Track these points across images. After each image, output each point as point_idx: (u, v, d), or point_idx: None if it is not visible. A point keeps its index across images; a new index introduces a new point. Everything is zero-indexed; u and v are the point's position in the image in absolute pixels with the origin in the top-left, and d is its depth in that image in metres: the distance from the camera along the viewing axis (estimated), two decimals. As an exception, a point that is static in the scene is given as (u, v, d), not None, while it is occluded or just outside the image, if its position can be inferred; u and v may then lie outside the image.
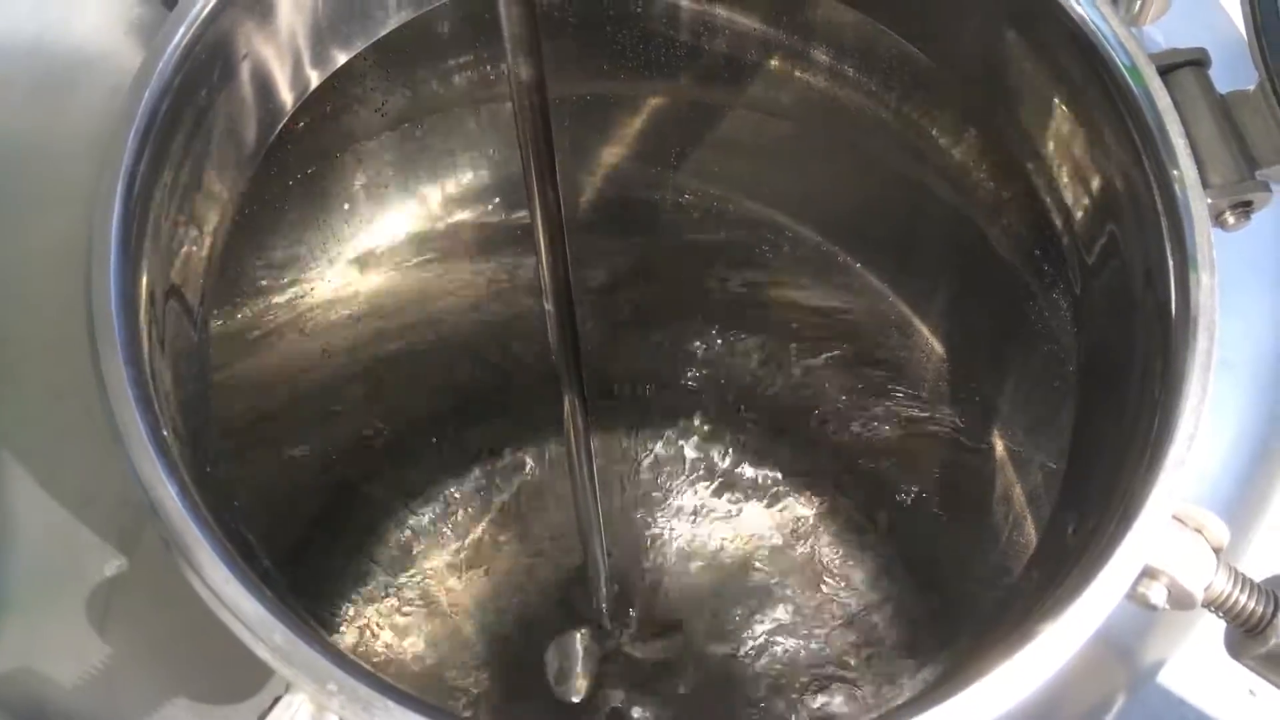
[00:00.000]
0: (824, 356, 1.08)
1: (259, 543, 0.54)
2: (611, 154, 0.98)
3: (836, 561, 1.12)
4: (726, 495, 1.16)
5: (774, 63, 0.86)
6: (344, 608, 1.06)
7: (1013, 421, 0.87)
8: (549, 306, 0.75)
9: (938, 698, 0.43)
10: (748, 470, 1.17)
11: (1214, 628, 0.54)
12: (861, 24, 0.76)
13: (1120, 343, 0.56)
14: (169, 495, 0.43)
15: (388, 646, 1.05)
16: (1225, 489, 0.63)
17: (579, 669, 1.03)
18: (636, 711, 1.04)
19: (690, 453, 1.18)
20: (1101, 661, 0.62)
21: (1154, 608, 0.48)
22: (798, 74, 0.86)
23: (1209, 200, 0.52)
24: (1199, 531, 0.48)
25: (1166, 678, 1.30)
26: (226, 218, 0.57)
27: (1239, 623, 0.50)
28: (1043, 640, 0.45)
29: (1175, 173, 0.50)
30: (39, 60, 0.67)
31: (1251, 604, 0.49)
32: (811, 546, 1.13)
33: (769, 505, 1.16)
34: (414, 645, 1.06)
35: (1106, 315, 0.58)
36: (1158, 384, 0.50)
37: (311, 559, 1.02)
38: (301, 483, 1.00)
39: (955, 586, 0.98)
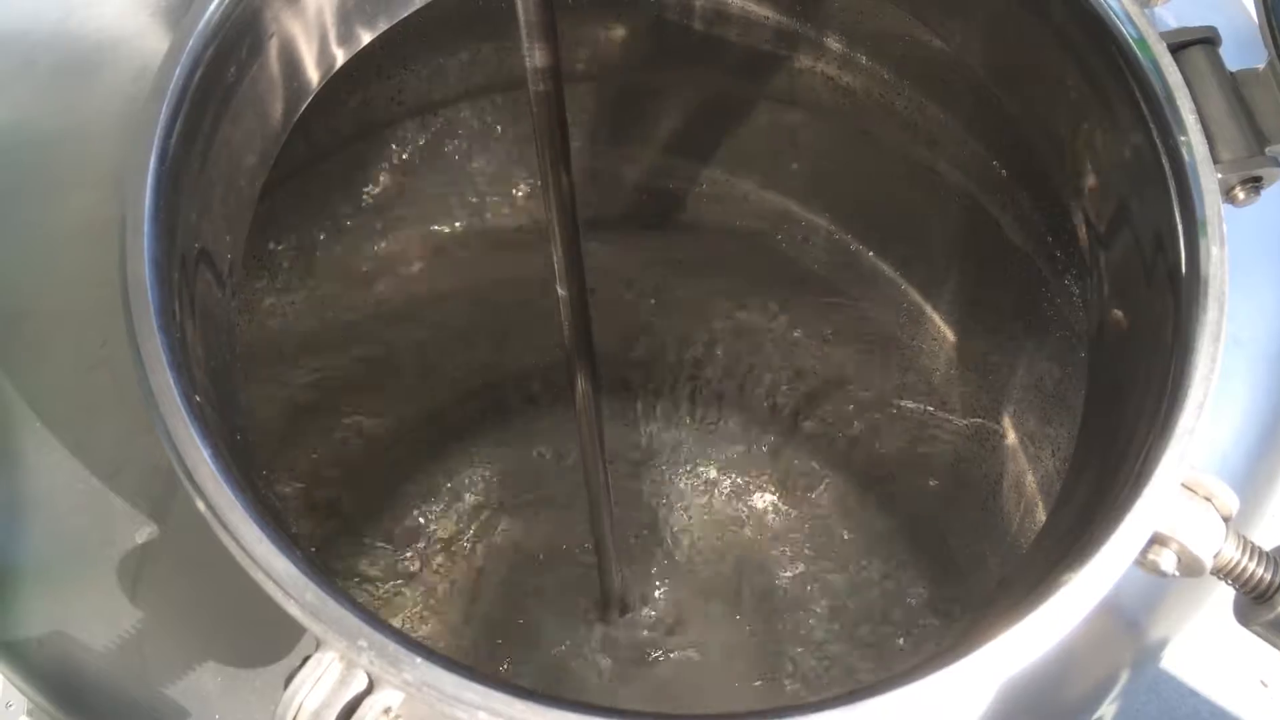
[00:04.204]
0: (836, 345, 1.09)
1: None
2: (626, 142, 0.99)
3: (846, 546, 1.13)
4: (737, 482, 1.17)
5: (786, 51, 0.87)
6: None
7: (1025, 407, 0.88)
8: (562, 291, 0.76)
9: (952, 657, 0.44)
10: (759, 458, 1.18)
11: (1225, 621, 0.54)
12: (874, 8, 0.77)
13: (1131, 316, 0.57)
14: (203, 459, 0.44)
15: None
16: (1235, 461, 0.64)
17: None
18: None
19: (701, 440, 1.18)
20: (1109, 635, 0.63)
21: (1164, 574, 0.49)
22: (810, 62, 0.87)
23: (1219, 175, 0.53)
24: (1208, 500, 0.49)
25: (1178, 668, 1.30)
26: (253, 193, 0.58)
27: (1248, 590, 0.50)
28: (1051, 605, 0.45)
29: (1184, 139, 0.51)
30: (63, 43, 0.67)
31: (1260, 571, 0.50)
32: (821, 531, 1.14)
33: (779, 492, 1.16)
34: (424, 623, 1.07)
35: (1118, 289, 0.59)
36: (1168, 355, 0.51)
37: (324, 537, 1.04)
38: (317, 464, 1.01)
39: (968, 568, 0.98)
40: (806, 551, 1.13)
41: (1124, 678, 0.63)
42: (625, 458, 1.16)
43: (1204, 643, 1.25)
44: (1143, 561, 0.48)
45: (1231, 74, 0.56)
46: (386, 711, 0.42)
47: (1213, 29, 0.57)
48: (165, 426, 0.45)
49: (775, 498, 1.16)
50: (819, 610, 1.10)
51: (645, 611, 1.10)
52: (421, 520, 1.11)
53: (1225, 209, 0.52)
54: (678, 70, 0.92)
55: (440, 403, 1.11)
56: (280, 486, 0.93)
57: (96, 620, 0.54)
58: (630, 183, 1.01)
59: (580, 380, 0.82)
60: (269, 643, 0.52)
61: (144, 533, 0.55)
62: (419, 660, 0.42)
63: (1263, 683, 1.31)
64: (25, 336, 0.60)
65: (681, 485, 1.16)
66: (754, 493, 1.16)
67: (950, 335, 0.98)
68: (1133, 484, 0.48)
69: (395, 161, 0.91)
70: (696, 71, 0.91)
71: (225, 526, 0.44)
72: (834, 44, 0.84)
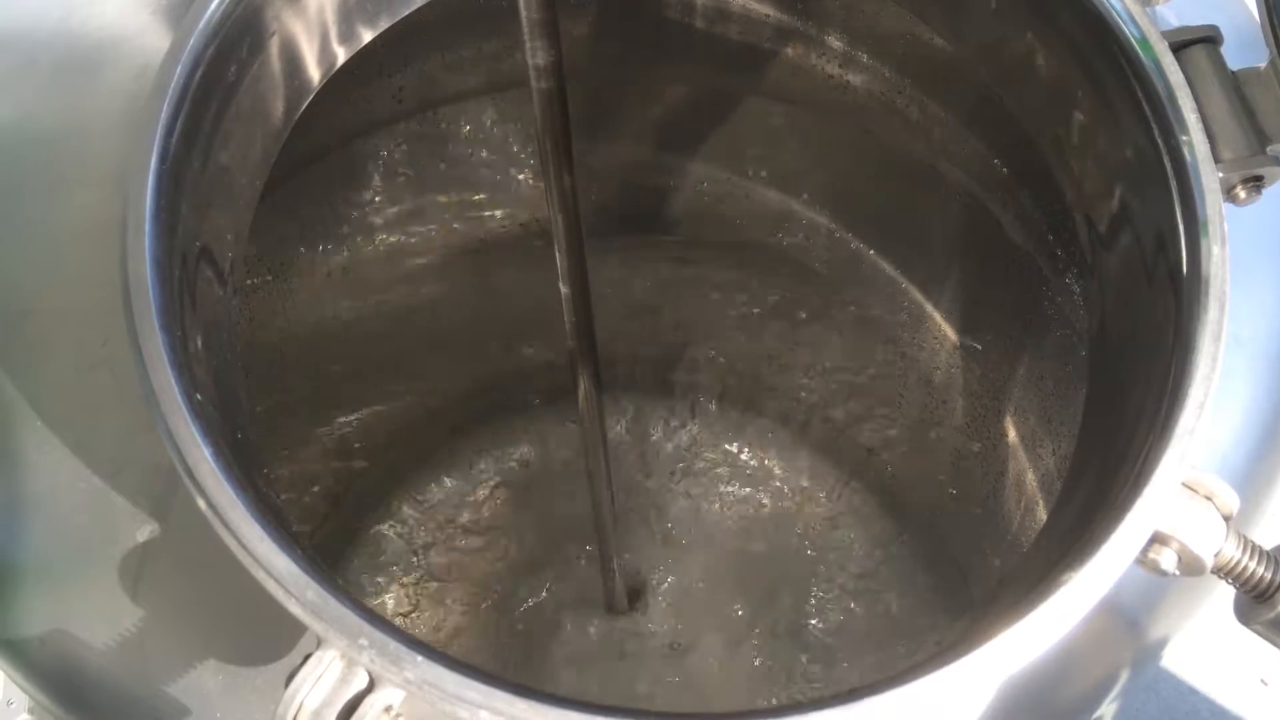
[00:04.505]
0: (836, 344, 1.09)
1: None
2: (627, 141, 0.99)
3: (846, 545, 1.13)
4: (737, 481, 1.17)
5: (787, 50, 0.87)
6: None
7: (1025, 407, 0.88)
8: (565, 290, 0.76)
9: (952, 656, 0.44)
10: (759, 456, 1.18)
11: (1225, 620, 0.54)
12: (875, 6, 0.77)
13: (1132, 316, 0.57)
14: (203, 458, 0.44)
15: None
16: (1236, 461, 0.64)
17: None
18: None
19: (702, 438, 1.19)
20: (1109, 634, 0.63)
21: (1164, 574, 0.49)
22: (811, 61, 0.86)
23: (1220, 174, 0.53)
24: (1209, 499, 0.49)
25: (1178, 667, 1.30)
26: (255, 191, 0.58)
27: (1248, 589, 0.50)
28: (1051, 605, 0.45)
29: (1185, 138, 0.51)
30: (65, 42, 0.68)
31: (1261, 570, 0.50)
32: (821, 530, 1.14)
33: (779, 490, 1.16)
34: (424, 622, 1.07)
35: (1119, 289, 0.59)
36: (1169, 354, 0.51)
37: (325, 533, 1.04)
38: (318, 463, 1.01)
39: (968, 567, 0.98)
40: (807, 549, 1.13)
41: (1124, 677, 0.63)
42: (626, 456, 1.16)
43: (1204, 642, 1.25)
44: (1143, 561, 0.48)
45: (1233, 73, 0.56)
46: (387, 710, 0.42)
47: (1214, 28, 0.57)
48: (166, 425, 0.45)
49: (775, 496, 1.16)
50: (820, 608, 1.10)
51: (647, 609, 1.10)
52: (422, 519, 1.11)
53: (1226, 208, 0.52)
54: (679, 69, 0.92)
55: (441, 402, 1.11)
56: (280, 485, 0.93)
57: (98, 619, 0.54)
58: (631, 182, 1.01)
59: (583, 379, 0.82)
60: (270, 641, 0.52)
61: (145, 531, 0.55)
62: (420, 659, 0.42)
63: (1263, 681, 1.31)
64: (26, 335, 0.60)
65: (682, 483, 1.17)
66: (754, 490, 1.16)
67: (950, 335, 0.98)
68: (1133, 483, 0.48)
69: (396, 160, 0.91)
70: (697, 70, 0.91)
71: (226, 525, 0.44)
72: (835, 42, 0.84)
